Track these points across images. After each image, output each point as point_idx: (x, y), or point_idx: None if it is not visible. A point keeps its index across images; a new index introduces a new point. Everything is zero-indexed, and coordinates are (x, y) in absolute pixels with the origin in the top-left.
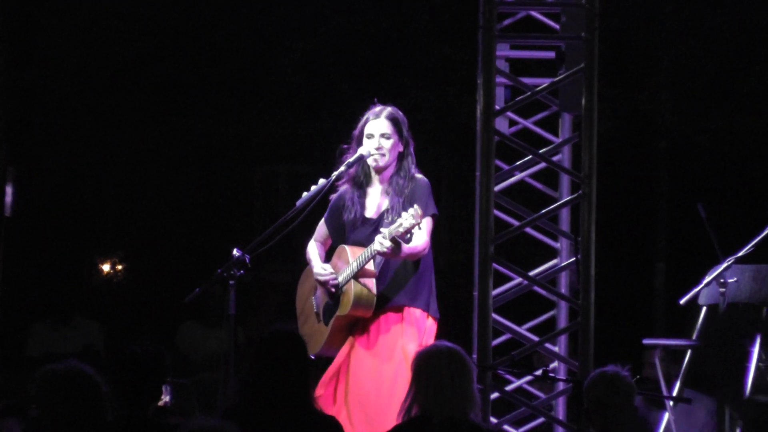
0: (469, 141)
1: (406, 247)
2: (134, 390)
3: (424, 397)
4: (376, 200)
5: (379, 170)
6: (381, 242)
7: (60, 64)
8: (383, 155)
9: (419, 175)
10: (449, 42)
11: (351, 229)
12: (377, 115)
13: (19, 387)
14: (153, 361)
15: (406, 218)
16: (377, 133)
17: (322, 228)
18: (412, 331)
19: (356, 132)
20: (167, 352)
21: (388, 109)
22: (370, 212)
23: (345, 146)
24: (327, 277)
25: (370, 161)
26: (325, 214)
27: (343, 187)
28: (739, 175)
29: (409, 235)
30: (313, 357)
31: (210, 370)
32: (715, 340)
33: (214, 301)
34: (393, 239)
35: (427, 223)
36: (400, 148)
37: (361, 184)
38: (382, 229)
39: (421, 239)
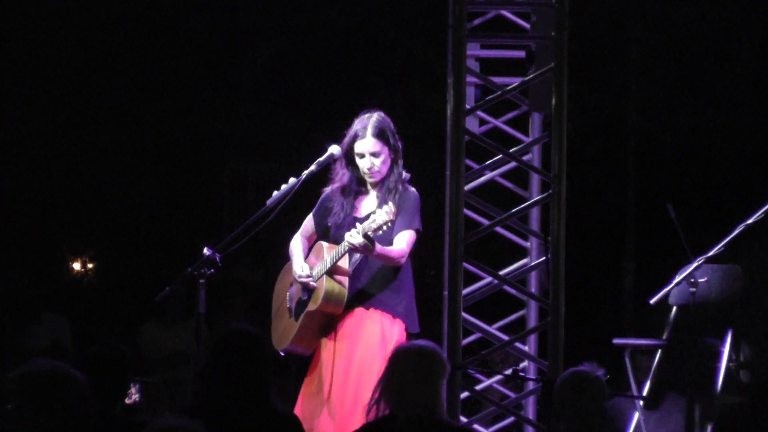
0: (437, 139)
1: (379, 247)
2: (98, 388)
3: (390, 395)
4: (366, 202)
5: (375, 184)
6: (353, 235)
7: (25, 58)
8: (377, 172)
9: (411, 188)
10: (416, 39)
11: (336, 228)
12: (363, 134)
13: None
14: (115, 359)
15: (380, 214)
16: (367, 153)
17: (308, 222)
18: (391, 343)
19: (344, 144)
20: (131, 351)
21: (373, 123)
22: (358, 212)
23: (336, 156)
24: (305, 279)
25: (366, 178)
26: (314, 209)
27: (335, 186)
28: (708, 174)
29: (380, 232)
30: (282, 353)
31: (170, 369)
32: (685, 340)
33: (176, 300)
34: (365, 235)
35: (408, 236)
36: (392, 156)
37: (350, 191)
38: (357, 224)
39: (398, 246)
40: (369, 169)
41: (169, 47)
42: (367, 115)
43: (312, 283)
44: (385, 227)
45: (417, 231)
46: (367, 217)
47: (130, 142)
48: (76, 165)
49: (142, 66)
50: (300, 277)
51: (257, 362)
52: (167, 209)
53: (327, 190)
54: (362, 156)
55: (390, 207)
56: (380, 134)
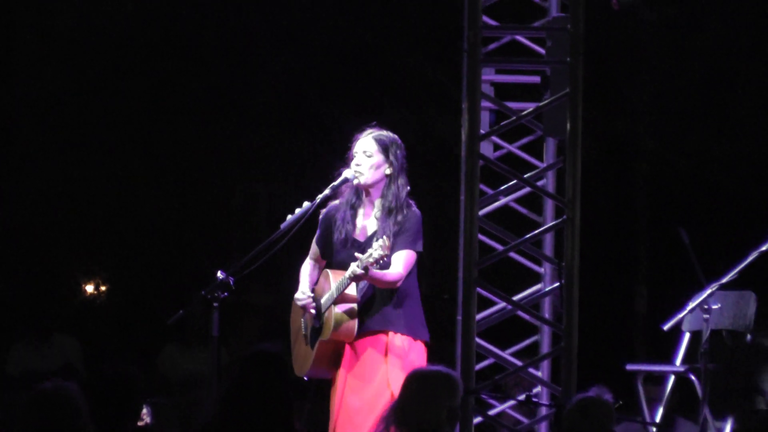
0: (451, 163)
1: (374, 272)
2: (108, 410)
3: (399, 417)
4: (366, 222)
5: (365, 190)
6: (353, 270)
7: (38, 80)
8: (361, 173)
9: (414, 208)
10: (431, 62)
11: (339, 248)
12: (364, 134)
13: None
14: (124, 381)
15: (376, 249)
16: (360, 151)
17: (314, 247)
18: (396, 359)
19: (348, 154)
20: (141, 373)
21: (378, 131)
22: (358, 234)
23: (342, 169)
24: (304, 302)
25: (354, 180)
26: (316, 233)
27: (335, 202)
28: (721, 199)
29: (377, 266)
30: (306, 378)
31: (187, 391)
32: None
33: (195, 322)
34: (365, 268)
35: (406, 256)
36: (387, 170)
37: (353, 204)
38: (357, 255)
39: (395, 270)
40: (357, 165)
41: (178, 66)
42: (373, 127)
43: (312, 304)
44: (381, 261)
45: (417, 252)
46: (367, 242)
47: (141, 163)
48: (88, 186)
49: (152, 86)
50: (300, 301)
51: (282, 384)
52: (179, 231)
53: (323, 211)
54: (356, 155)
55: (384, 241)
56: (379, 140)
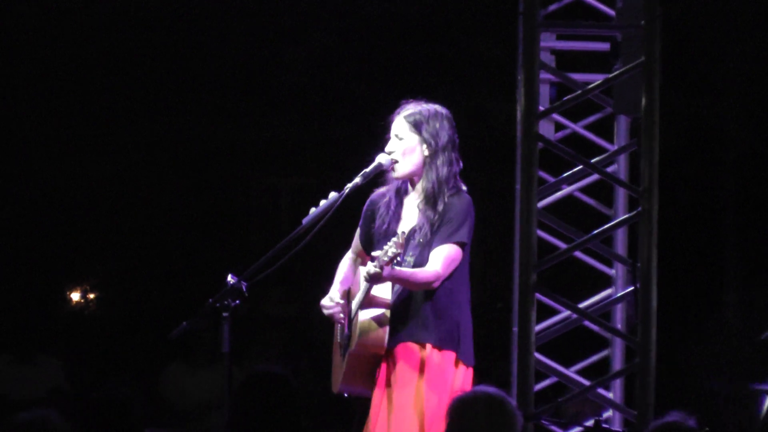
0: (505, 147)
1: (397, 271)
2: None
3: None
4: (408, 213)
5: (410, 179)
6: (368, 270)
7: (30, 66)
8: (395, 161)
9: (462, 193)
10: (480, 30)
11: (380, 239)
12: (399, 114)
13: None
14: (118, 408)
15: (390, 246)
16: (393, 134)
17: (356, 240)
18: (433, 377)
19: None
20: (139, 398)
21: (412, 105)
22: (401, 226)
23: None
24: (331, 311)
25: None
26: (359, 223)
27: (381, 189)
28: None
29: (395, 261)
30: (345, 395)
31: (199, 420)
32: None
33: (203, 337)
34: (380, 267)
35: (446, 252)
36: (425, 151)
37: (398, 190)
38: (373, 253)
39: (430, 267)
40: (388, 153)
41: (190, 46)
42: (417, 101)
43: (339, 313)
44: (396, 260)
45: (460, 244)
46: (409, 237)
47: (143, 153)
48: (72, 177)
49: (159, 68)
50: (326, 309)
51: (285, 409)
52: (183, 229)
53: (375, 193)
54: (390, 138)
55: (398, 238)
56: (412, 118)
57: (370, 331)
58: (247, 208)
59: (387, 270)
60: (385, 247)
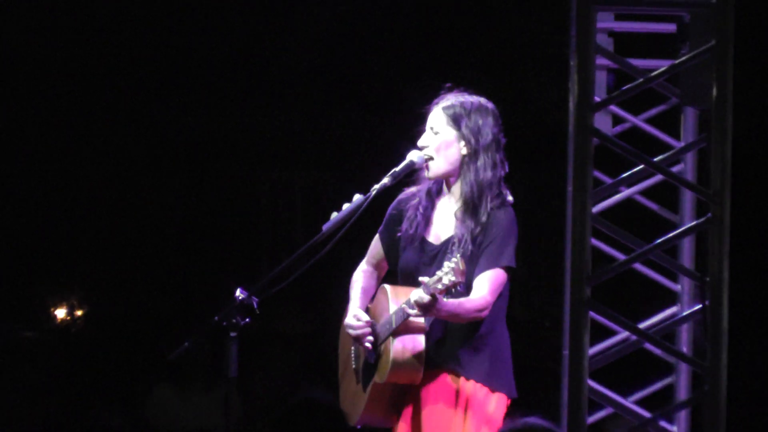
0: (556, 143)
1: (446, 304)
2: None
3: None
4: (442, 219)
5: (445, 180)
6: (418, 300)
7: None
8: (429, 158)
9: (507, 204)
10: (528, 10)
11: (405, 246)
12: (437, 104)
13: None
14: None
15: (446, 273)
16: (428, 127)
17: (375, 245)
18: (473, 412)
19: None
20: (129, 425)
21: (452, 95)
22: (432, 235)
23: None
24: (359, 332)
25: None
26: (381, 226)
27: (411, 189)
28: None
29: (452, 291)
30: (357, 426)
31: None
32: None
33: (199, 360)
34: (432, 295)
35: (493, 277)
36: (463, 149)
37: (430, 192)
38: (421, 280)
39: (478, 294)
40: (421, 149)
41: (187, 28)
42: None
43: (369, 334)
44: (454, 290)
45: (507, 269)
46: (442, 249)
47: (136, 147)
48: (55, 173)
49: (153, 53)
50: (354, 329)
51: None
52: (185, 234)
53: (404, 193)
54: (424, 131)
55: (458, 263)
56: (450, 110)
57: (405, 361)
58: (255, 208)
59: (440, 301)
60: (439, 273)
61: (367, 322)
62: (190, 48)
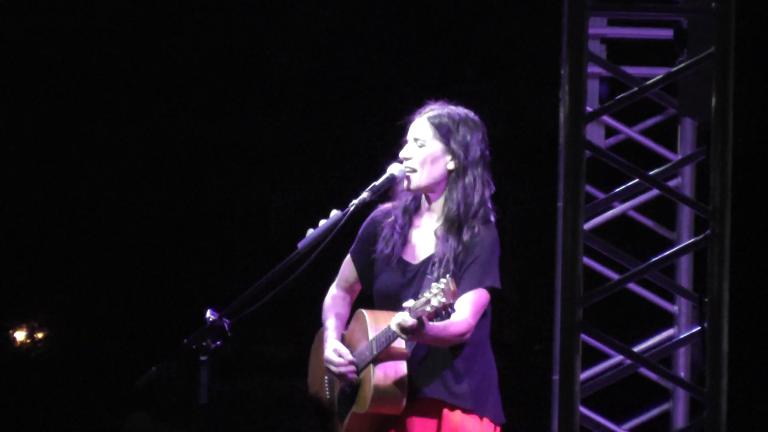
0: (546, 155)
1: (432, 327)
2: None
3: None
4: (421, 237)
5: (424, 195)
6: (400, 323)
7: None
8: (412, 170)
9: (490, 224)
10: (518, 15)
11: (381, 267)
12: (420, 114)
13: None
14: None
15: (435, 294)
16: (411, 138)
17: (347, 267)
18: None
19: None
20: None
21: (438, 105)
22: (410, 254)
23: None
24: (342, 370)
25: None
26: (353, 245)
27: (386, 205)
28: None
29: (442, 314)
30: None
31: None
32: None
33: (172, 385)
34: (419, 318)
35: (476, 298)
36: (450, 164)
37: (408, 208)
38: (405, 305)
39: (460, 317)
40: (405, 160)
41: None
42: (442, 103)
43: (353, 372)
44: (444, 312)
45: (490, 289)
46: (421, 268)
47: (101, 159)
48: (19, 191)
49: (124, 61)
50: (336, 366)
51: None
52: (154, 253)
53: (377, 210)
54: (406, 143)
55: (448, 284)
56: (436, 122)
57: (387, 390)
58: (230, 226)
59: (427, 325)
60: (427, 294)
61: (349, 360)
62: (160, 59)
